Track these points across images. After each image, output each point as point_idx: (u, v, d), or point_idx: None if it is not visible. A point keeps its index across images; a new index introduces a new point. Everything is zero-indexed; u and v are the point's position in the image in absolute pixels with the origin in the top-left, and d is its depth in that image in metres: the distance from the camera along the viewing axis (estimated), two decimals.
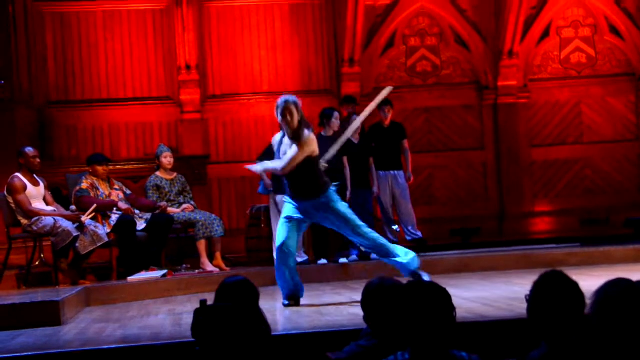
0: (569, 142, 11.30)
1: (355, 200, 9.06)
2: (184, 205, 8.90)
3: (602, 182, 11.26)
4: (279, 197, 9.22)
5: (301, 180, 6.64)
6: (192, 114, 10.74)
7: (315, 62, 11.04)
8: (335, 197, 6.71)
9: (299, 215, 6.68)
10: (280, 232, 6.71)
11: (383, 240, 6.77)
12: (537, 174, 11.24)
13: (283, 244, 6.65)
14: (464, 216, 10.92)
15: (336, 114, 9.04)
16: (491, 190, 11.18)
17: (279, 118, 6.64)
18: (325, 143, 9.42)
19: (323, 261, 9.10)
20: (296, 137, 6.57)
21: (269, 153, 9.41)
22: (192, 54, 10.66)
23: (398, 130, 9.85)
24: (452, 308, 2.85)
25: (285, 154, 6.67)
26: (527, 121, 11.24)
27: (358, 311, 3.47)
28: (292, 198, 6.70)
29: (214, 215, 8.93)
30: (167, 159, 9.02)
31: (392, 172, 9.74)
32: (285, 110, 6.58)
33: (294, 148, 6.57)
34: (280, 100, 6.69)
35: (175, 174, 9.11)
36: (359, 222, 6.75)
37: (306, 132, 6.58)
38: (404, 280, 3.91)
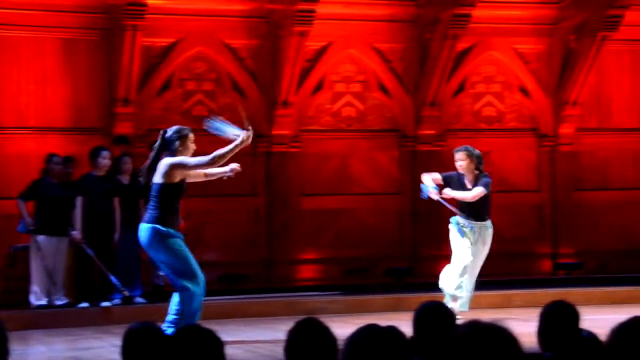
0: (338, 192, 11.64)
1: (124, 243, 8.88)
2: None
3: (367, 233, 11.66)
4: (40, 237, 8.83)
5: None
6: None
7: (88, 99, 10.73)
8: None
9: None
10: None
11: None
12: (306, 222, 11.47)
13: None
14: (233, 262, 10.92)
15: (104, 154, 8.85)
16: (261, 236, 11.28)
17: None
18: (95, 183, 9.17)
19: (84, 304, 8.77)
20: None
21: (33, 190, 9.04)
22: None
23: None
24: (223, 356, 2.80)
25: None
26: (298, 170, 11.49)
27: (119, 357, 3.34)
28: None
29: None
30: None
31: None
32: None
33: None
34: None
35: None
36: None
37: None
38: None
